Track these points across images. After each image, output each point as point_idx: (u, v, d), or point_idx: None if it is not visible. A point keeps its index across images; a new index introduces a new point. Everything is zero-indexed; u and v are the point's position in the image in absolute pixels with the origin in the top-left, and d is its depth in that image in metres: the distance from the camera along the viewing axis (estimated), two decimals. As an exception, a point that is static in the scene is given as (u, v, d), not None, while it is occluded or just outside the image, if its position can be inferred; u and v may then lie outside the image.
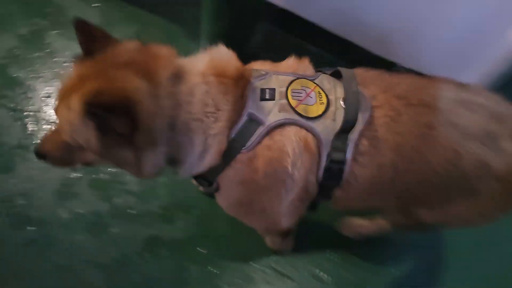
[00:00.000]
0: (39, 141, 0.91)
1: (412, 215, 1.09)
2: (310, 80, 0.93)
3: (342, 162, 0.89)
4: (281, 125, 0.86)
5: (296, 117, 0.87)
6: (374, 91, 0.93)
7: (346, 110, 0.88)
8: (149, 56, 0.82)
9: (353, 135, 0.89)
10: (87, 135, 0.78)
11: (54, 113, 0.91)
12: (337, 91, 0.92)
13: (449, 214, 1.03)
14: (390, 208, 1.17)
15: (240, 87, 0.87)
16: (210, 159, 0.87)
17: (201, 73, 0.85)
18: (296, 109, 0.87)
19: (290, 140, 0.87)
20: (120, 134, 0.77)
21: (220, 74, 0.86)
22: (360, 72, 0.97)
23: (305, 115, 0.87)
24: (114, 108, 0.72)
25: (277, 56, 0.99)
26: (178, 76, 0.83)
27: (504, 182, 0.92)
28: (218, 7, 1.40)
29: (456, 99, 0.92)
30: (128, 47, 0.83)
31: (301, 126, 0.87)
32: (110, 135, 0.77)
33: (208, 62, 0.88)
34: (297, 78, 0.92)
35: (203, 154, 0.87)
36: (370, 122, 0.90)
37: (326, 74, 0.97)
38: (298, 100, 0.88)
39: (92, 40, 0.81)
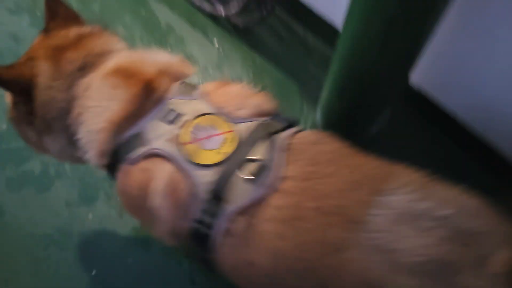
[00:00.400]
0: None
1: None
2: (230, 122, 0.77)
3: (209, 227, 0.72)
4: (162, 156, 0.75)
5: (177, 156, 0.74)
6: (293, 172, 0.71)
7: (222, 172, 0.71)
8: (76, 44, 0.82)
9: (231, 207, 0.70)
10: (9, 105, 0.87)
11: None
12: (254, 148, 0.74)
13: None
14: None
15: (143, 94, 0.78)
16: (93, 156, 0.81)
17: (110, 69, 0.80)
18: (185, 146, 0.75)
19: (162, 177, 0.74)
20: (24, 113, 0.83)
21: (125, 75, 0.79)
22: (310, 138, 0.76)
23: (190, 158, 0.74)
24: (9, 86, 0.79)
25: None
26: (86, 69, 0.81)
27: None
28: (343, 80, 1.21)
29: (403, 207, 0.64)
30: (72, 31, 0.84)
31: (180, 168, 0.74)
32: (18, 112, 0.84)
33: (124, 60, 0.82)
34: (214, 114, 0.78)
35: (86, 150, 0.81)
36: (259, 206, 0.69)
37: (265, 123, 0.78)
38: (194, 138, 0.76)
39: (55, 17, 0.85)
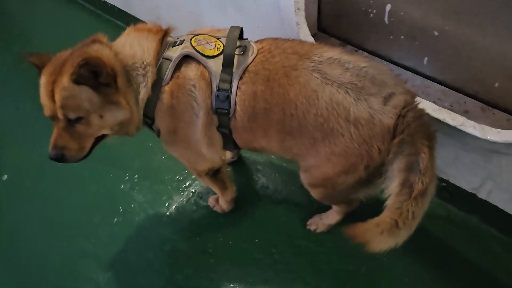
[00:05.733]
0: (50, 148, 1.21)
1: (291, 155, 1.27)
2: (213, 37, 1.31)
3: (227, 90, 1.21)
4: (185, 59, 1.24)
5: (194, 52, 1.23)
6: (264, 44, 1.27)
7: (225, 48, 1.24)
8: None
9: (239, 70, 1.22)
10: (88, 96, 1.16)
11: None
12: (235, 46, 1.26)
13: (317, 158, 1.19)
14: (278, 150, 1.31)
15: (160, 44, 1.29)
16: (145, 91, 1.25)
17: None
18: (196, 47, 1.25)
19: (191, 70, 1.24)
20: (105, 85, 1.17)
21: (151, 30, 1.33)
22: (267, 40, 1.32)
23: (202, 52, 1.24)
24: (101, 69, 1.14)
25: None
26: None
27: (360, 128, 1.08)
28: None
29: (334, 57, 1.16)
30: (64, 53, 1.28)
31: (198, 62, 1.24)
32: (100, 89, 1.17)
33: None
34: (203, 34, 1.31)
35: (143, 87, 1.25)
36: (253, 62, 1.23)
37: (234, 35, 1.30)
38: (198, 44, 1.26)
39: (38, 59, 1.27)
